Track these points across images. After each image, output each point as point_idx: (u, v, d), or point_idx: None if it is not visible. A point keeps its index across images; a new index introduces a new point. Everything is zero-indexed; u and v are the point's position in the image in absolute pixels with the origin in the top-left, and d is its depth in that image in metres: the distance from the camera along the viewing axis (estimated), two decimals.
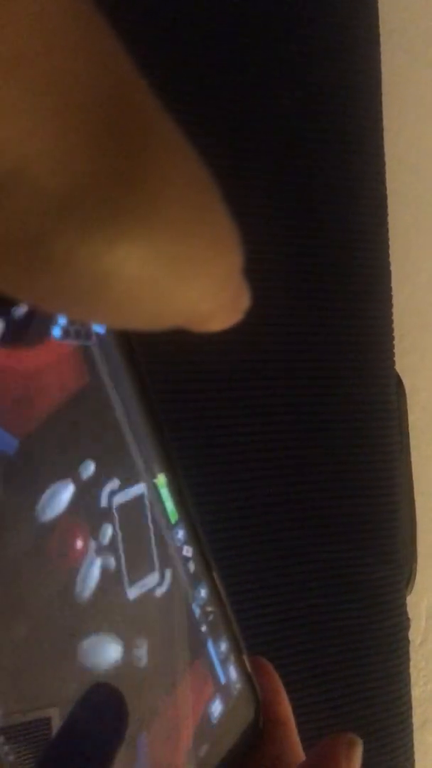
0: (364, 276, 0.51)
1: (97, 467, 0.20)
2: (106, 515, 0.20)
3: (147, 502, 0.22)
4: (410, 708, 0.52)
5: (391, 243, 0.53)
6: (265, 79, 0.48)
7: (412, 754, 0.52)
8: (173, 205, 0.12)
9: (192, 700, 0.23)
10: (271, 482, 0.47)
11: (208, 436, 0.45)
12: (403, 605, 0.52)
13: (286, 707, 0.26)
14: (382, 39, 0.54)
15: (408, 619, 0.52)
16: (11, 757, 0.17)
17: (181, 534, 0.23)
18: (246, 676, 0.25)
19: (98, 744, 0.20)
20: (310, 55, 0.49)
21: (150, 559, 0.22)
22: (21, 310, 0.17)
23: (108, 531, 0.20)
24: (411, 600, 0.53)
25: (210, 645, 0.24)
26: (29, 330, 0.18)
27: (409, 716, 0.52)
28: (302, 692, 0.47)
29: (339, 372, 0.50)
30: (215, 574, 0.24)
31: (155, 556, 0.22)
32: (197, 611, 0.23)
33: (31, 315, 0.18)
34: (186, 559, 0.23)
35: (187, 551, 0.23)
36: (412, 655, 0.53)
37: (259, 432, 0.47)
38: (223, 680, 0.24)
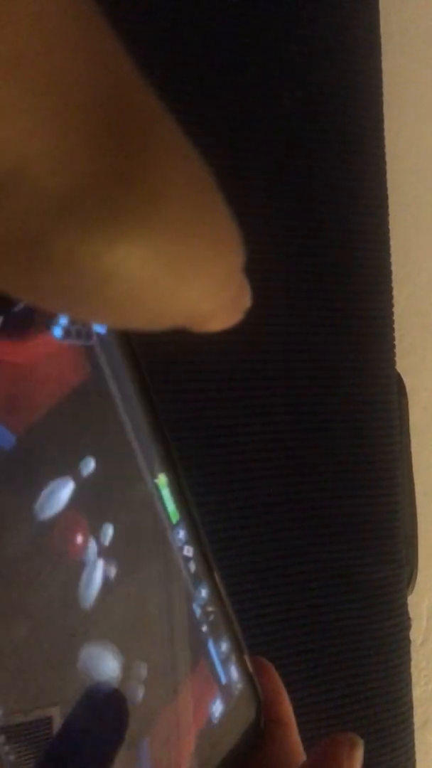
0: (364, 276, 0.51)
1: (97, 464, 0.20)
2: (106, 514, 0.20)
3: (148, 502, 0.22)
4: (411, 708, 0.52)
5: (391, 243, 0.53)
6: (265, 79, 0.48)
7: (413, 754, 0.52)
8: (173, 205, 0.12)
9: (194, 702, 0.23)
10: (271, 482, 0.47)
11: (208, 436, 0.45)
12: (404, 605, 0.52)
13: (287, 707, 0.26)
14: (382, 39, 0.54)
15: (409, 619, 0.52)
16: (12, 757, 0.17)
17: (182, 534, 0.23)
18: (247, 676, 0.25)
19: (99, 744, 0.20)
20: (310, 55, 0.49)
21: (150, 559, 0.22)
22: (19, 305, 0.17)
23: (109, 531, 0.20)
24: (412, 600, 0.53)
25: (211, 645, 0.24)
26: (27, 325, 0.18)
27: (410, 716, 0.52)
28: (303, 692, 0.47)
29: (339, 372, 0.49)
30: (216, 575, 0.24)
31: (156, 556, 0.22)
32: (198, 611, 0.23)
33: (29, 311, 0.18)
34: (187, 559, 0.23)
35: (188, 551, 0.23)
36: (413, 655, 0.53)
37: (259, 432, 0.47)
38: (224, 680, 0.24)
